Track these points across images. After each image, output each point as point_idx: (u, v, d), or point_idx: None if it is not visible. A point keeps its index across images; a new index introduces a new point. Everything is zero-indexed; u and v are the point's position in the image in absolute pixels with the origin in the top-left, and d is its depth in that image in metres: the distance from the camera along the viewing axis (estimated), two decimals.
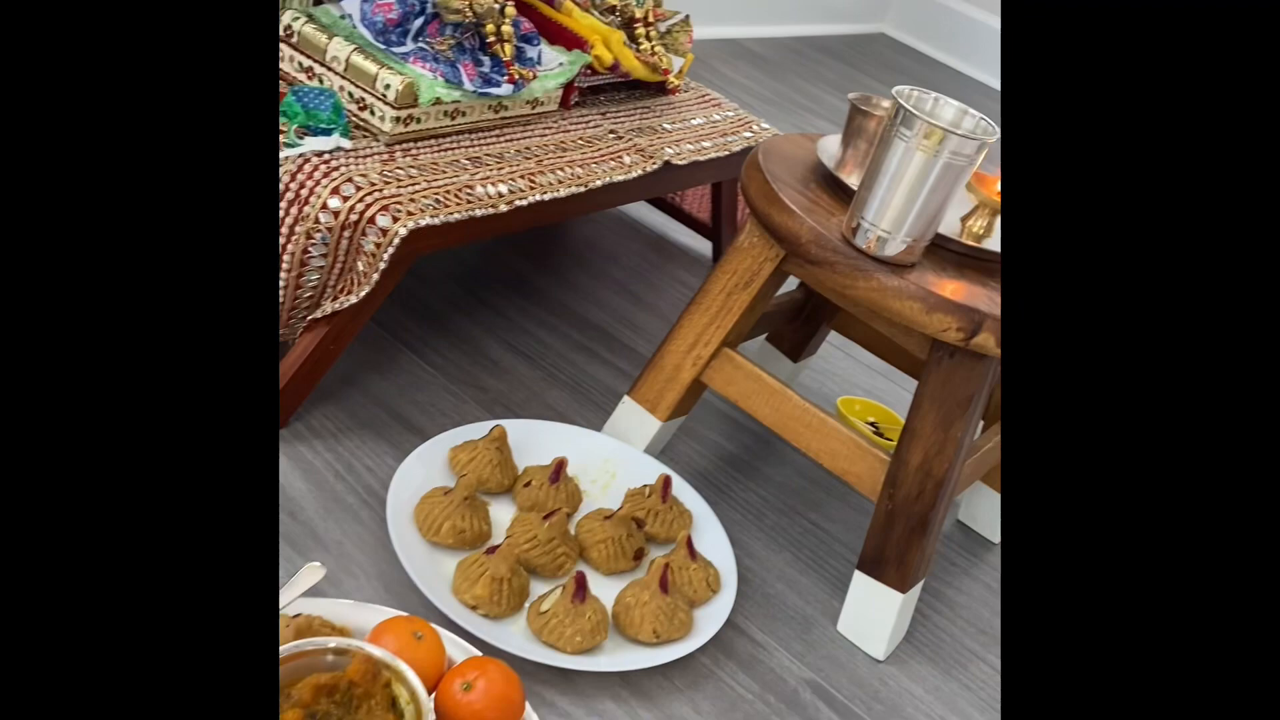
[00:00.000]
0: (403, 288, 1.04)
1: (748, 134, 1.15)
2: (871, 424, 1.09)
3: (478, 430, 0.86)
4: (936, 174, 0.72)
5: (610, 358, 1.07)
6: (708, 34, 2.20)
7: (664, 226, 1.36)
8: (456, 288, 1.09)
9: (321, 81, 0.85)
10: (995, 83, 2.64)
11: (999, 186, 0.83)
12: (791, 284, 1.12)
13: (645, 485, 0.87)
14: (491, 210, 0.83)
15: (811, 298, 1.03)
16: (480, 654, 0.67)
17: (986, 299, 0.75)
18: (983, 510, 1.00)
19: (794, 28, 2.45)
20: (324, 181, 0.78)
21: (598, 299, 1.16)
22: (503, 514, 0.82)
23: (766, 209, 0.80)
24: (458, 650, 0.68)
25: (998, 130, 0.74)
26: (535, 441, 0.89)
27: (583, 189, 0.91)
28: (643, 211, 1.37)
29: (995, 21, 2.64)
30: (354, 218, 0.77)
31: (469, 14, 0.87)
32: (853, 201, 0.76)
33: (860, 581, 0.83)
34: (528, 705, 0.66)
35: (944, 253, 0.80)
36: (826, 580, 0.89)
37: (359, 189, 0.78)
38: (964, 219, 0.85)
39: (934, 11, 2.72)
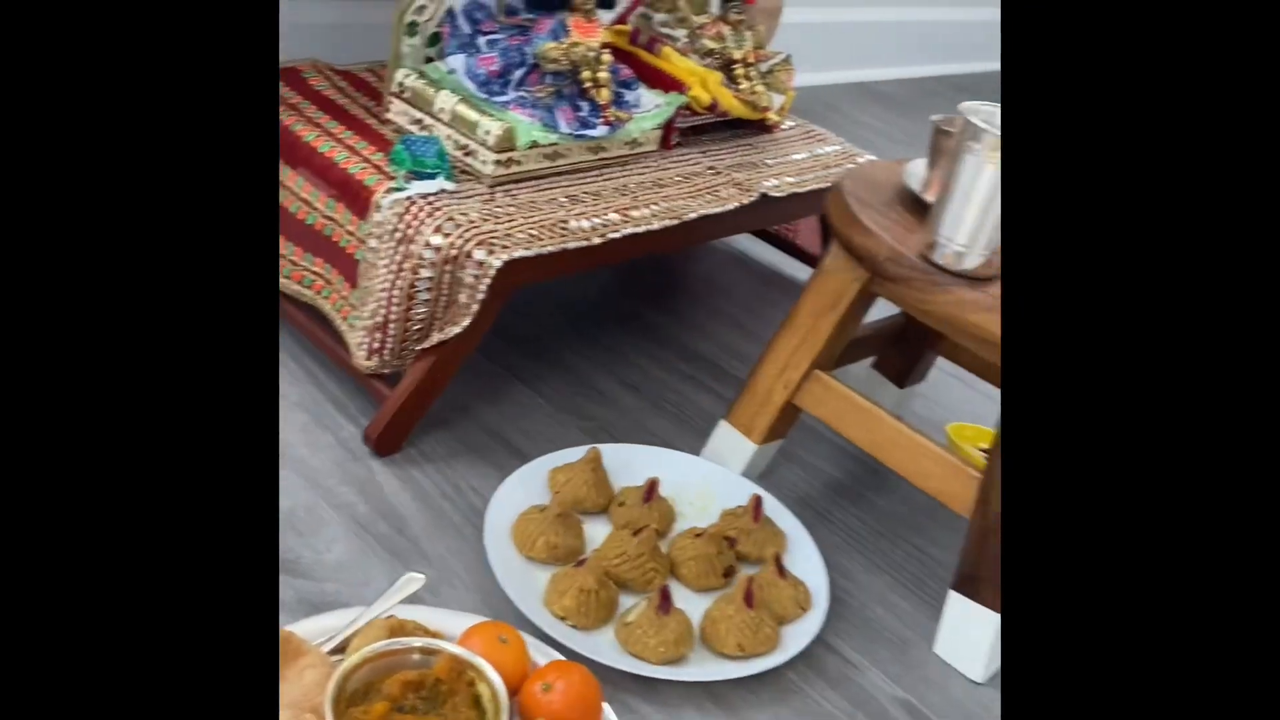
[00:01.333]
0: (516, 325, 1.10)
1: (852, 166, 1.16)
2: (985, 452, 1.07)
3: (576, 453, 0.90)
4: None
5: (716, 386, 1.10)
6: (832, 78, 2.22)
7: (777, 261, 1.38)
8: (569, 325, 1.14)
9: (430, 132, 0.93)
10: None
11: None
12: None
13: (739, 506, 0.89)
14: (584, 243, 0.88)
15: (912, 321, 1.03)
16: (562, 660, 0.70)
17: None
18: None
19: (926, 68, 2.44)
20: (428, 221, 0.84)
21: (707, 331, 1.19)
22: (598, 533, 0.85)
23: (846, 230, 0.82)
24: (542, 656, 0.71)
25: None
26: (634, 465, 0.92)
27: (676, 221, 0.95)
28: (756, 247, 1.40)
29: None
30: (454, 253, 0.83)
31: (566, 63, 0.93)
32: (929, 218, 0.77)
33: (955, 601, 0.82)
34: (607, 707, 0.68)
35: None
36: (928, 604, 0.88)
37: (459, 226, 0.84)
38: None
39: None
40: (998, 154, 0.71)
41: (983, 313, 0.74)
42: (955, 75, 2.49)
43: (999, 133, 0.71)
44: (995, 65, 2.64)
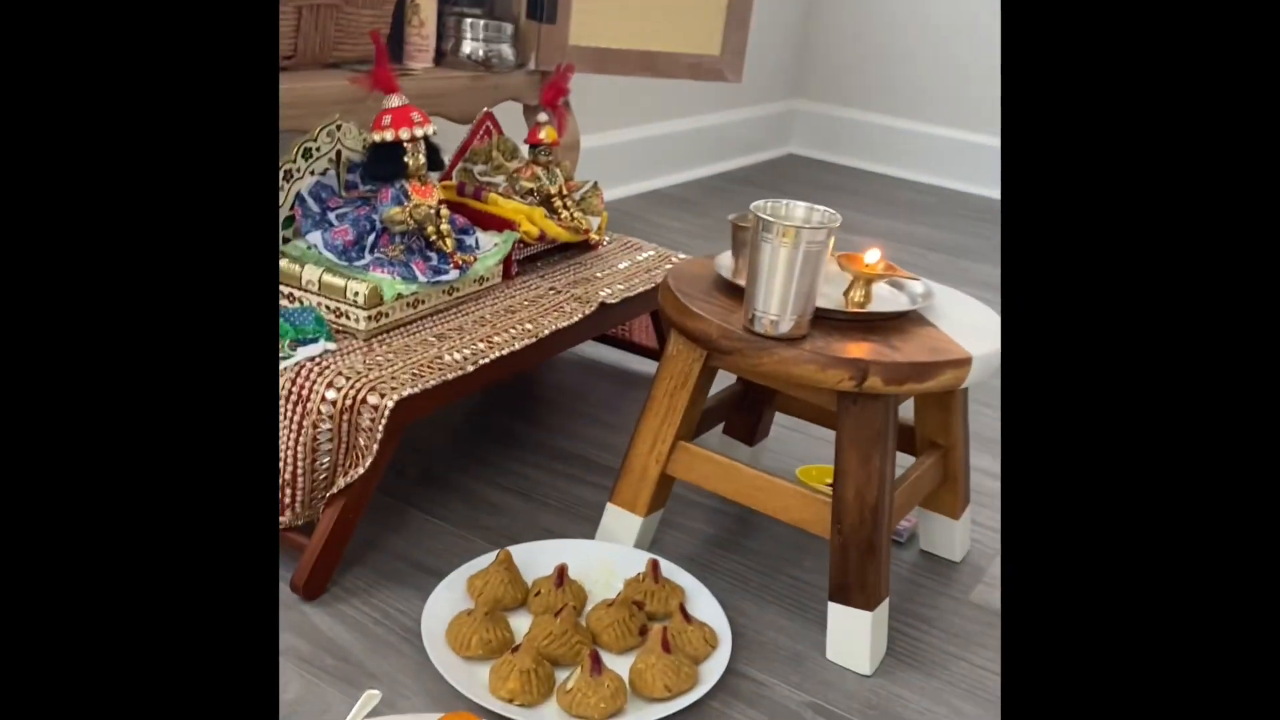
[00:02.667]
0: (405, 459, 1.20)
1: (669, 265, 1.34)
2: (831, 485, 1.23)
3: (487, 559, 1.00)
4: (800, 261, 0.89)
5: (592, 478, 1.22)
6: (631, 190, 2.44)
7: (620, 360, 1.53)
8: (450, 450, 1.25)
9: (301, 303, 1.03)
10: (897, 173, 2.89)
11: (866, 260, 1.01)
12: (731, 378, 1.28)
13: (639, 573, 1.01)
14: (460, 373, 1.00)
15: (749, 387, 1.19)
16: None
17: (869, 350, 0.92)
18: (938, 535, 1.14)
19: (709, 167, 2.71)
20: (319, 380, 0.95)
21: (573, 432, 1.32)
22: (521, 624, 0.96)
23: (681, 319, 0.97)
24: None
25: (839, 218, 0.92)
26: (539, 559, 1.03)
27: (534, 339, 1.08)
28: (600, 351, 1.55)
29: (887, 120, 2.90)
30: (349, 402, 0.94)
31: (411, 223, 1.06)
32: (744, 298, 0.94)
33: (834, 610, 0.96)
34: None
35: (832, 322, 0.97)
36: (811, 621, 1.02)
37: (349, 379, 0.95)
38: (845, 293, 1.02)
39: (831, 125, 2.99)
40: (788, 238, 0.88)
41: (803, 365, 0.90)
42: (732, 170, 2.77)
43: (785, 221, 0.89)
44: (766, 155, 2.94)
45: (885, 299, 1.02)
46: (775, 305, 0.91)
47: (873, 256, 1.00)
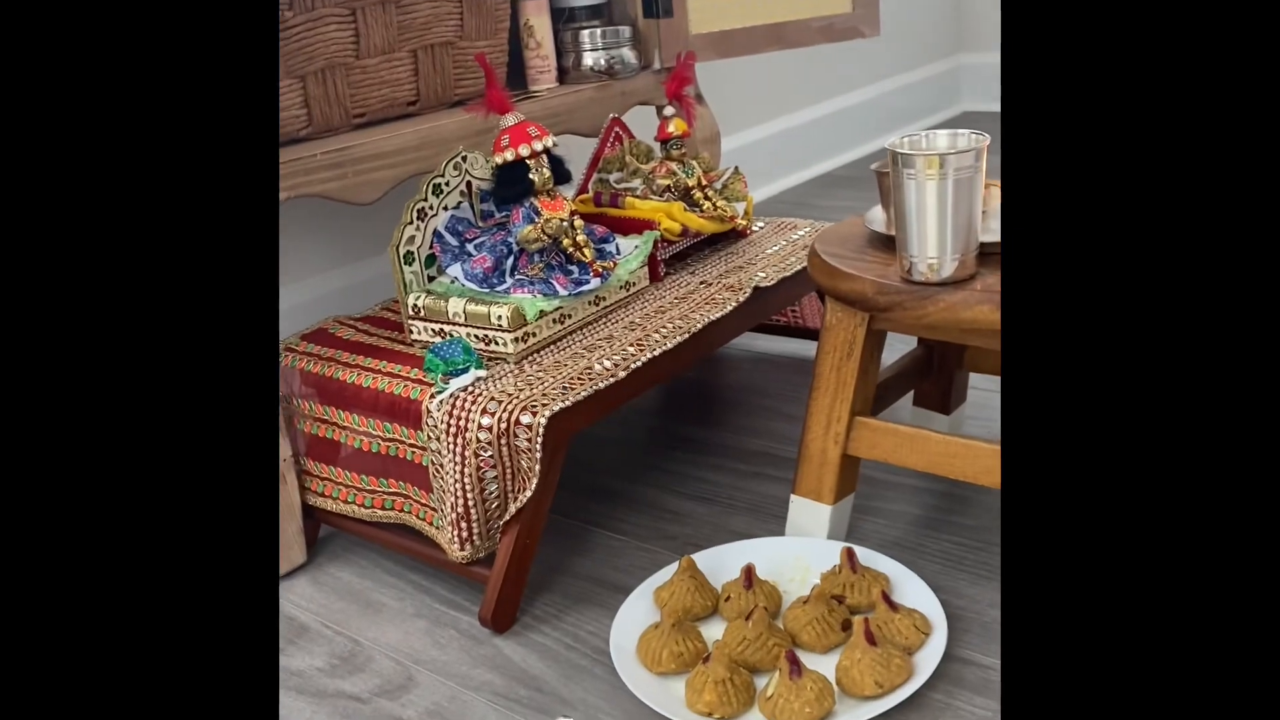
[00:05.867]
0: (582, 478, 1.18)
1: None
2: None
3: (671, 570, 0.95)
4: (952, 192, 0.80)
5: (778, 473, 1.15)
6: (801, 177, 2.36)
7: (798, 349, 1.45)
8: (627, 463, 1.21)
9: (452, 335, 1.03)
10: None
11: None
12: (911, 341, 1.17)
13: (834, 565, 0.93)
14: (611, 380, 0.96)
15: (931, 349, 1.09)
16: None
17: None
18: None
19: (881, 140, 2.58)
20: (473, 407, 0.93)
21: (754, 430, 1.26)
22: (715, 632, 0.90)
23: (832, 282, 0.89)
24: None
25: (988, 136, 0.82)
26: (726, 563, 0.97)
27: (687, 335, 1.03)
28: (774, 343, 1.48)
29: None
30: (504, 426, 0.92)
31: (545, 239, 1.03)
32: (896, 246, 0.85)
33: None
34: None
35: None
36: None
37: (501, 403, 0.93)
38: None
39: (998, 73, 2.79)
40: (933, 169, 0.79)
41: (975, 307, 0.80)
42: None
43: (927, 151, 0.80)
44: (938, 117, 2.78)
45: None
46: (933, 246, 0.82)
47: None
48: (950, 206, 0.80)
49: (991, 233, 0.88)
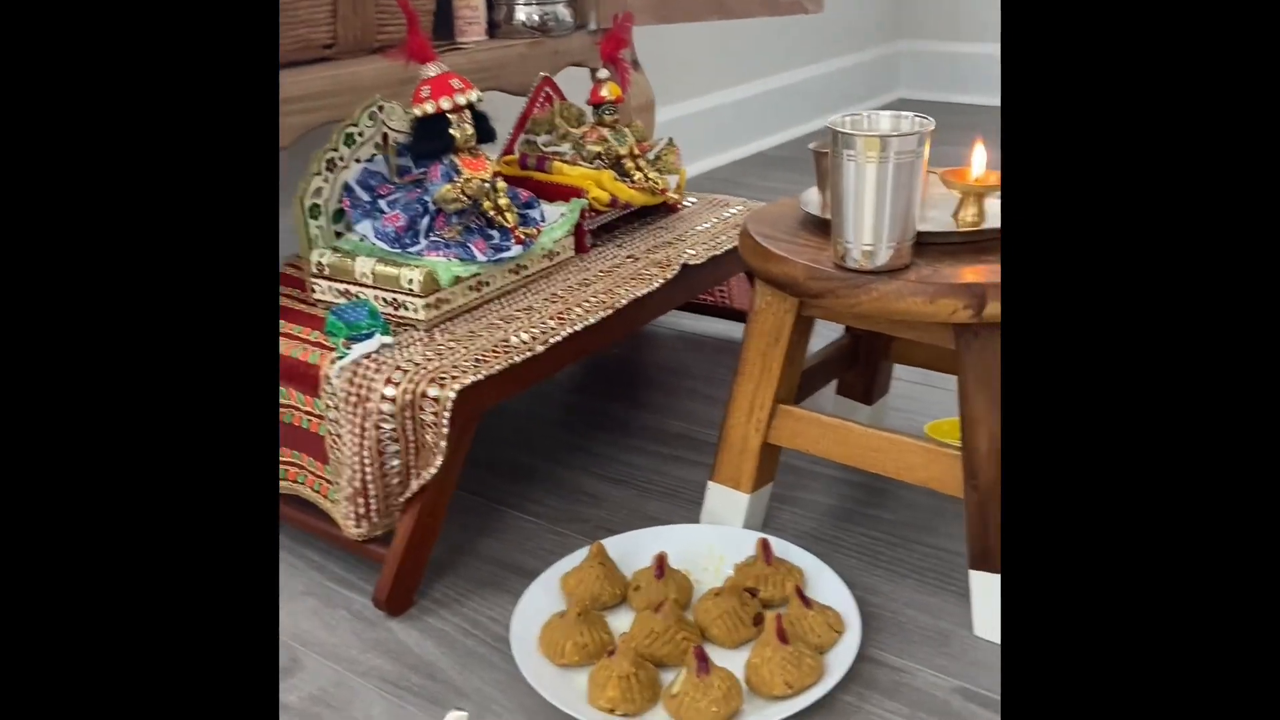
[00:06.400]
0: (493, 454, 1.12)
1: None
2: None
3: (581, 555, 0.91)
4: (891, 177, 0.76)
5: (697, 457, 1.12)
6: (736, 155, 2.32)
7: (723, 330, 1.42)
8: (542, 440, 1.17)
9: (358, 297, 0.97)
10: None
11: (973, 171, 0.87)
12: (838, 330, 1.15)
13: (750, 557, 0.90)
14: (529, 354, 0.91)
15: (859, 338, 1.06)
16: None
17: (984, 272, 0.78)
18: None
19: (816, 122, 2.55)
20: (377, 376, 0.87)
21: (676, 411, 1.22)
22: (622, 623, 0.86)
23: (763, 264, 0.86)
24: None
25: (932, 121, 0.78)
26: (638, 550, 0.93)
27: (610, 311, 0.99)
28: (700, 323, 1.44)
29: (996, 49, 2.68)
30: (409, 398, 0.86)
31: (464, 200, 0.98)
32: (831, 230, 0.81)
33: (977, 579, 0.83)
34: None
35: (940, 248, 0.83)
36: (956, 594, 0.89)
37: (407, 373, 0.87)
38: (955, 214, 0.88)
39: (942, 62, 2.79)
40: (874, 151, 0.76)
41: (908, 298, 0.77)
42: None
43: (869, 132, 0.76)
44: (872, 104, 2.76)
45: (998, 215, 0.88)
46: (868, 233, 0.78)
47: (979, 164, 0.85)
48: (889, 192, 0.77)
49: (928, 222, 0.85)
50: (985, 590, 0.82)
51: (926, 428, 1.11)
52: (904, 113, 0.81)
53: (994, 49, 2.69)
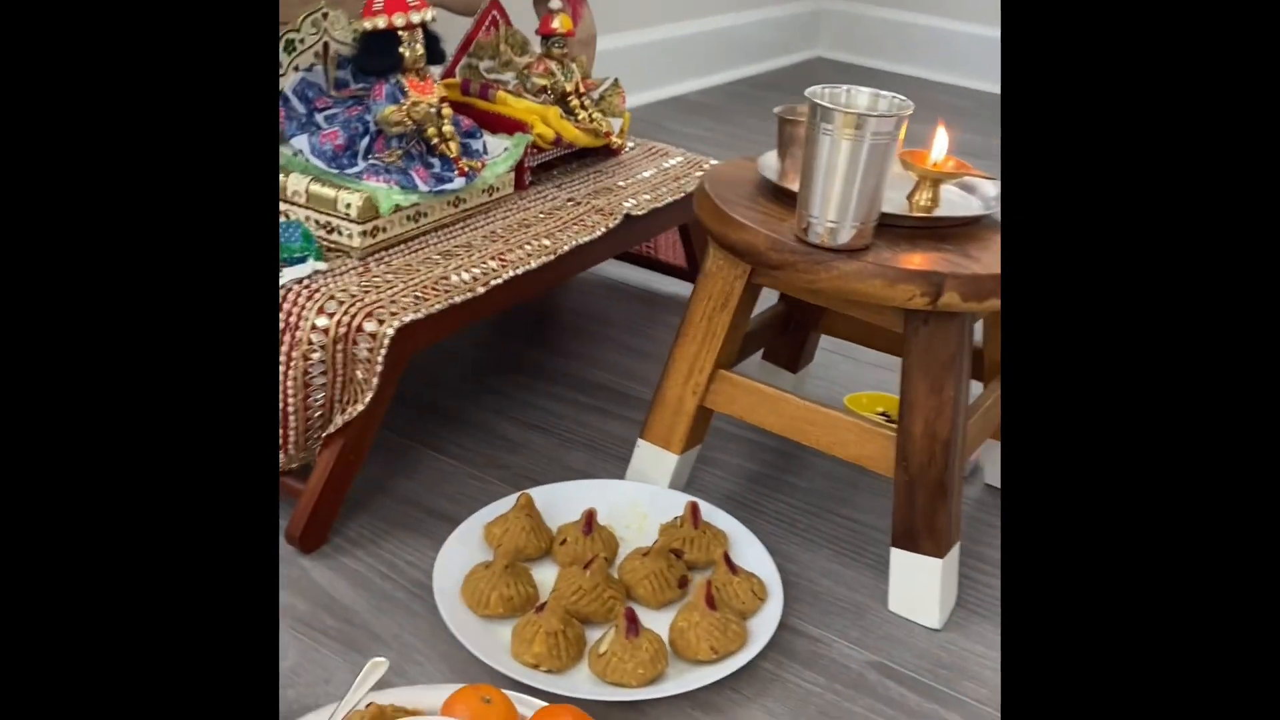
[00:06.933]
0: (412, 392, 1.09)
1: (699, 174, 1.20)
2: (882, 414, 1.12)
3: (506, 504, 0.90)
4: (865, 157, 0.76)
5: (621, 411, 1.11)
6: (653, 96, 2.28)
7: (647, 280, 1.40)
8: (463, 382, 1.13)
9: (287, 217, 0.91)
10: (932, 76, 2.71)
11: (933, 155, 0.87)
12: (772, 298, 1.15)
13: (676, 517, 0.90)
14: (470, 295, 0.88)
15: (793, 307, 1.07)
16: (548, 705, 0.70)
17: (943, 261, 0.79)
18: None
19: (733, 72, 2.53)
20: (309, 305, 0.83)
21: (597, 360, 1.20)
22: (546, 576, 0.85)
23: (722, 229, 0.84)
24: (527, 708, 0.70)
25: (911, 104, 0.78)
26: (564, 503, 0.92)
27: (552, 257, 0.96)
28: (624, 271, 1.42)
29: (922, 19, 2.71)
30: (343, 330, 0.82)
31: (409, 123, 0.93)
32: (798, 202, 0.81)
33: (899, 557, 0.85)
34: None
35: (896, 230, 0.84)
36: (870, 567, 0.91)
37: (342, 303, 0.83)
38: (909, 196, 0.88)
39: (861, 24, 2.80)
40: (850, 129, 0.75)
41: (868, 280, 0.77)
42: (755, 75, 2.59)
43: (848, 109, 0.75)
44: (792, 59, 2.76)
45: (954, 203, 0.89)
46: (834, 210, 0.78)
47: (940, 149, 0.86)
48: (861, 171, 0.77)
49: (889, 204, 0.85)
50: (904, 568, 0.85)
51: (845, 400, 1.13)
52: (883, 92, 0.80)
53: (914, 17, 2.72)
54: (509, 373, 1.16)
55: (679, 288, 1.38)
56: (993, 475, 1.04)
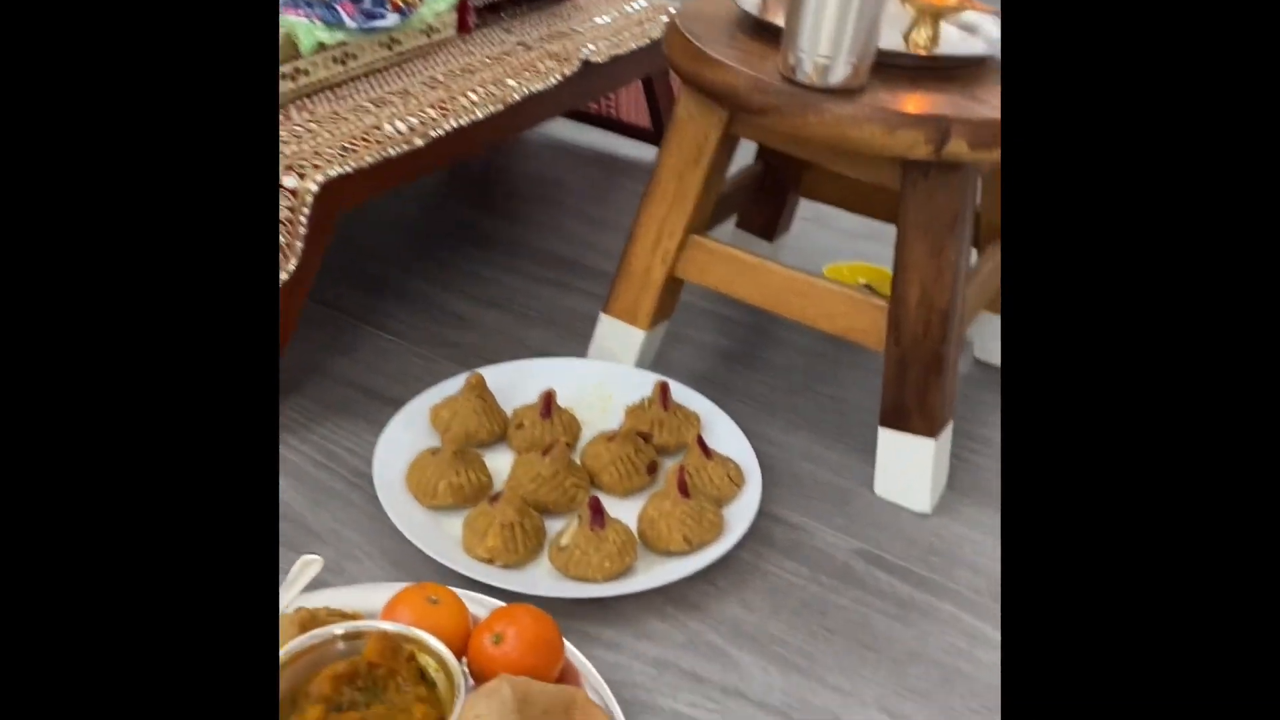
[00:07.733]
0: (347, 262, 0.98)
1: (664, 18, 1.08)
2: (865, 285, 1.04)
3: (455, 385, 0.81)
4: None
5: (581, 284, 1.01)
6: None
7: (607, 144, 1.29)
8: (403, 250, 1.03)
9: None
10: None
11: None
12: (747, 157, 1.05)
13: (644, 398, 0.81)
14: (406, 147, 0.77)
15: (770, 168, 0.97)
16: (505, 605, 0.62)
17: (949, 104, 0.69)
18: (998, 341, 0.95)
19: None
20: None
21: (554, 229, 1.10)
22: (501, 463, 0.77)
23: (697, 69, 0.74)
24: (481, 608, 0.63)
25: None
26: (520, 383, 0.83)
27: (501, 106, 0.85)
28: (581, 132, 1.31)
29: None
30: None
31: None
32: (783, 36, 0.70)
33: (887, 437, 0.78)
34: (568, 643, 0.61)
35: (893, 70, 0.74)
36: (854, 449, 0.84)
37: None
38: (906, 34, 0.78)
39: None
40: None
41: (865, 125, 0.68)
42: None
43: None
44: None
45: (954, 42, 0.79)
46: (826, 43, 0.68)
47: None
48: None
49: (884, 42, 0.75)
50: (892, 449, 0.78)
51: (825, 270, 1.04)
52: None
53: None
54: (456, 242, 1.06)
55: (643, 151, 1.27)
56: (983, 350, 0.96)
